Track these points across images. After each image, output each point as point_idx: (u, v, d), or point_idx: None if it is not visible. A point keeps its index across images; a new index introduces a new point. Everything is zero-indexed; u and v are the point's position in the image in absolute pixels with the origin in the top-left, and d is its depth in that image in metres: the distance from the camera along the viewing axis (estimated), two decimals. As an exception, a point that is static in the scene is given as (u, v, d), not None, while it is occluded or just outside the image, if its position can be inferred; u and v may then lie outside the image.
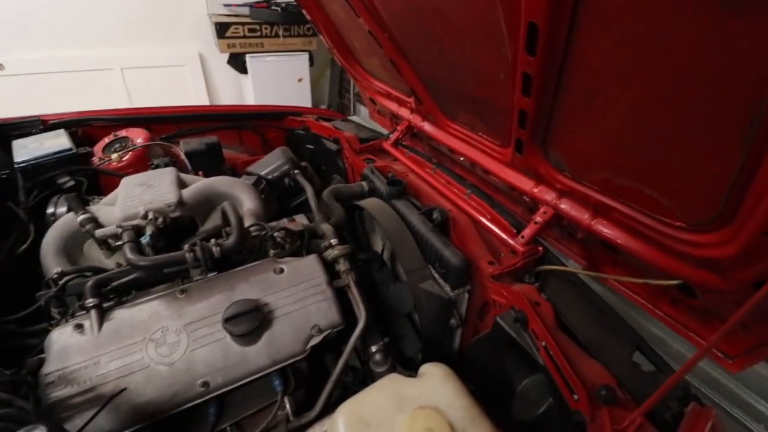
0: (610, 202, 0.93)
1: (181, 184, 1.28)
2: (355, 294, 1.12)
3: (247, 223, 1.17)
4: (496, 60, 0.95)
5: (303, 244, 1.23)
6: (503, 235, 1.20)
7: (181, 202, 1.20)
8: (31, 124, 1.67)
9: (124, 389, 0.84)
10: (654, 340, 1.59)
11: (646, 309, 1.04)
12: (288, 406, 1.00)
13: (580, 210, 1.04)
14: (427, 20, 1.09)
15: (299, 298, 1.05)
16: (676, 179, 0.75)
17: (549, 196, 1.12)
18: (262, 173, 1.61)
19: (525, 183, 1.18)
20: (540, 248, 1.15)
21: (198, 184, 1.29)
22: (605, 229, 0.98)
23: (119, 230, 1.11)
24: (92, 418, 0.77)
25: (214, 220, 1.27)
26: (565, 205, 1.08)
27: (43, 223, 1.31)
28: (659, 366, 0.90)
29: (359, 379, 1.23)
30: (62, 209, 1.29)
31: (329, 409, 1.04)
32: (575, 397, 0.78)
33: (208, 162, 1.66)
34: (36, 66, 3.59)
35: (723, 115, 0.59)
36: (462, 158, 1.50)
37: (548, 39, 0.72)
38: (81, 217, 1.14)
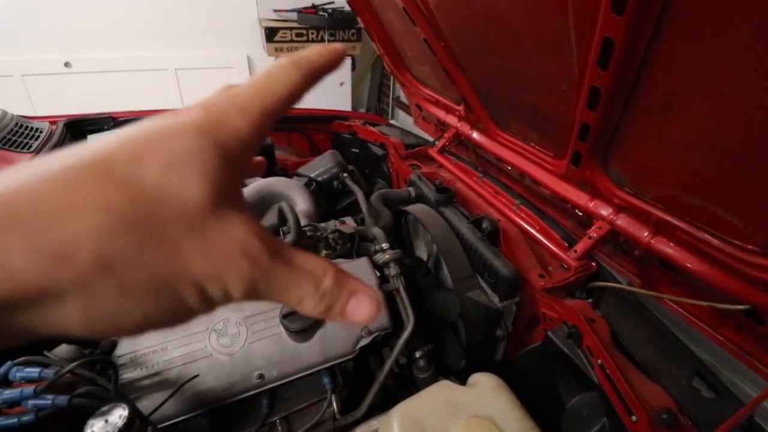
0: (674, 220, 0.90)
1: (240, 183, 1.34)
2: (404, 299, 1.13)
3: (301, 223, 1.22)
4: (559, 71, 0.94)
5: (353, 246, 1.26)
6: (554, 249, 1.19)
7: (241, 201, 1.26)
8: (103, 121, 1.80)
9: (197, 375, 0.89)
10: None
11: (706, 333, 1.00)
12: (335, 404, 1.03)
13: (639, 227, 1.01)
14: (488, 29, 1.10)
15: (351, 299, 1.08)
16: (752, 201, 0.73)
17: (605, 211, 1.09)
18: (312, 175, 1.66)
19: (579, 197, 1.16)
20: (593, 264, 1.13)
21: (256, 183, 1.35)
22: (666, 248, 0.96)
23: (185, 225, 1.17)
24: (166, 400, 0.82)
25: (269, 219, 1.32)
26: (622, 221, 1.05)
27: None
28: (720, 393, 0.87)
29: (400, 383, 1.25)
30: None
31: (373, 410, 1.06)
32: (633, 418, 0.76)
33: (261, 162, 1.72)
34: (98, 65, 3.83)
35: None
36: (510, 168, 1.49)
37: (624, 54, 0.71)
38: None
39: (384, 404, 1.11)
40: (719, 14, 0.57)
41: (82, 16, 3.60)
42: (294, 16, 3.73)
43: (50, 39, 3.60)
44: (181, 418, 0.91)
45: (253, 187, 1.33)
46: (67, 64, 3.74)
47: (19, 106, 1.73)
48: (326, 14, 3.72)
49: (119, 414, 0.68)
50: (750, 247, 0.77)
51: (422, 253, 1.54)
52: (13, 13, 3.40)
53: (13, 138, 1.49)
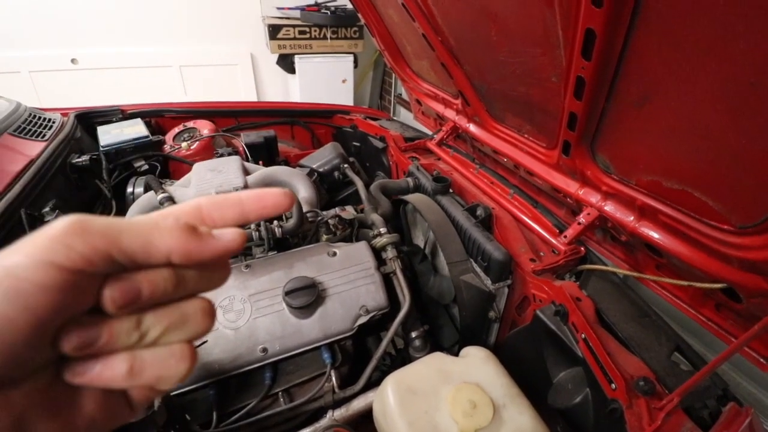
0: (657, 204, 0.95)
1: (246, 172, 1.40)
2: (400, 280, 1.19)
3: (303, 209, 1.27)
4: (549, 64, 1.00)
5: (353, 231, 1.32)
6: (546, 234, 1.24)
7: (246, 187, 1.31)
8: (112, 113, 1.86)
9: (206, 341, 0.95)
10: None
11: (688, 313, 1.05)
12: (334, 379, 1.09)
13: (626, 212, 1.06)
14: (482, 24, 1.15)
15: (350, 279, 1.13)
16: (726, 183, 0.77)
17: (594, 198, 1.14)
18: (314, 166, 1.72)
19: (570, 185, 1.21)
20: (582, 248, 1.18)
21: (260, 171, 1.41)
22: (650, 232, 1.01)
23: (192, 209, 1.23)
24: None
25: (272, 206, 1.38)
26: (609, 207, 1.10)
27: (122, 201, 1.47)
28: (698, 366, 0.92)
29: (398, 364, 1.30)
30: (140, 189, 1.44)
31: (370, 386, 1.12)
32: (613, 386, 0.81)
33: (264, 154, 1.78)
34: (105, 61, 3.90)
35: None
36: (506, 159, 1.54)
37: (604, 45, 0.76)
38: (160, 196, 1.28)
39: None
40: (685, 10, 0.62)
41: (89, 13, 3.67)
42: (297, 13, 3.79)
43: (57, 36, 3.67)
44: (187, 389, 0.97)
45: (258, 174, 1.39)
46: (73, 61, 3.81)
47: (26, 102, 1.77)
48: (329, 12, 3.77)
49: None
50: (725, 227, 0.81)
51: (420, 241, 1.60)
52: (21, 11, 3.47)
53: (28, 127, 1.55)
